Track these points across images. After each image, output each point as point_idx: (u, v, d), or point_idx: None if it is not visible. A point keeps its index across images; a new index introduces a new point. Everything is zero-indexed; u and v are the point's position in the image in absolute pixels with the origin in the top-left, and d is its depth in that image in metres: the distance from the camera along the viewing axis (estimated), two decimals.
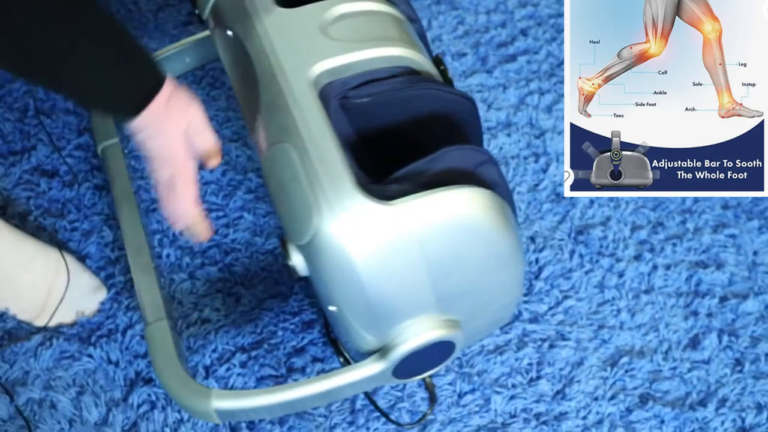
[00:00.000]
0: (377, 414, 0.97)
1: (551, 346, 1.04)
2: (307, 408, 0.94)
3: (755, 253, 1.15)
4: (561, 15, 1.41)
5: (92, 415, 0.95)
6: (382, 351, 0.84)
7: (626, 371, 1.03)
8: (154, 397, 0.96)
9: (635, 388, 1.02)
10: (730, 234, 1.16)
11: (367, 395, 0.97)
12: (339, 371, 0.86)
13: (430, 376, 0.97)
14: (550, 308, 1.07)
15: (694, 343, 1.06)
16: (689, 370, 1.03)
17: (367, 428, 0.96)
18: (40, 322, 0.99)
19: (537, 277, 1.10)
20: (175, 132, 0.77)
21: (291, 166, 0.76)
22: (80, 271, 1.01)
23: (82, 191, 1.11)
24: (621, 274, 1.11)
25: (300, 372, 0.99)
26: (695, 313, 1.08)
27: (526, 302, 1.07)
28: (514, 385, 1.01)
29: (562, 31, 1.38)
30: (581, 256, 1.12)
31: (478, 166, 0.78)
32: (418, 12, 1.36)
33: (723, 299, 1.10)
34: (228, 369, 0.99)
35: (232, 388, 0.98)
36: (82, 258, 1.05)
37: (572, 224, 1.15)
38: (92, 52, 0.69)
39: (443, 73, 0.89)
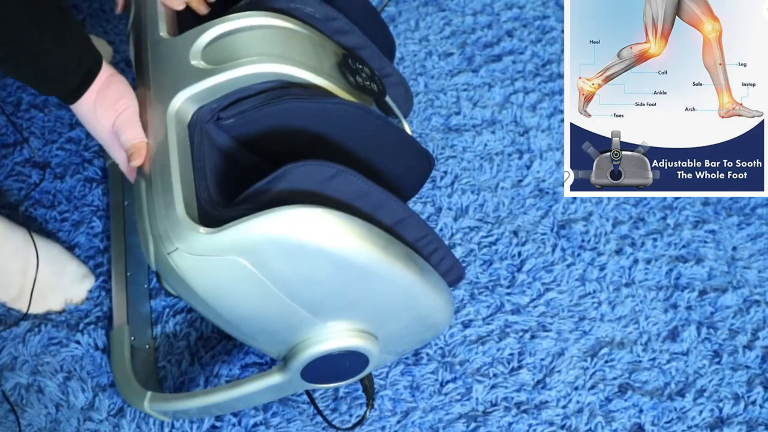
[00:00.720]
0: (361, 401, 0.98)
1: (533, 337, 1.06)
2: (233, 411, 0.96)
3: (734, 248, 1.17)
4: (547, 17, 1.43)
5: (79, 400, 0.96)
6: (284, 360, 0.85)
7: (606, 362, 1.04)
8: None
9: (615, 378, 1.03)
10: (709, 230, 1.18)
11: (308, 394, 0.96)
12: (250, 378, 0.88)
13: (370, 379, 0.95)
14: (532, 300, 1.09)
15: (674, 335, 1.08)
16: (668, 361, 1.05)
17: (350, 415, 0.98)
18: (21, 306, 1.00)
19: (519, 270, 1.11)
20: (102, 127, 0.82)
21: (140, 198, 0.79)
22: (68, 259, 1.03)
23: (73, 183, 1.13)
24: (602, 268, 1.13)
25: None
26: (675, 306, 1.10)
27: (508, 294, 1.09)
28: (495, 375, 1.02)
29: (548, 32, 1.41)
30: (563, 249, 1.14)
31: (326, 182, 0.75)
32: (404, 13, 1.39)
33: (702, 293, 1.12)
34: (213, 356, 1.00)
35: (217, 374, 0.99)
36: (71, 248, 1.07)
37: (555, 219, 1.17)
38: (31, 33, 0.73)
39: (354, 74, 0.87)
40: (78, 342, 1.00)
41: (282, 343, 0.84)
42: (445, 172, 1.20)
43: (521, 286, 1.10)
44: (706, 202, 1.21)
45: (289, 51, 0.84)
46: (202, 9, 0.93)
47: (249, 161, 0.86)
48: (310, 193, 0.75)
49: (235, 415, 0.96)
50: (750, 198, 1.23)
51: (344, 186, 0.76)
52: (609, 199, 1.20)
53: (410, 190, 0.98)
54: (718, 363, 1.06)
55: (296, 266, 0.74)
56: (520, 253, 1.13)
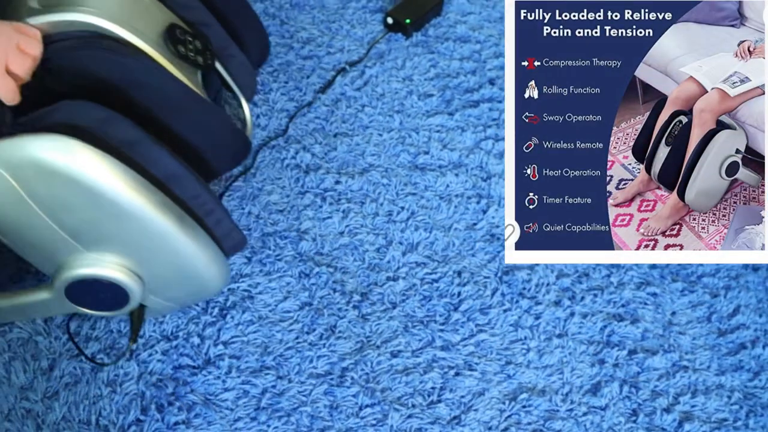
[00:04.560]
0: (280, 414, 1.04)
1: (457, 374, 1.10)
2: (8, 320, 1.05)
3: (673, 313, 1.20)
4: None
5: (19, 380, 1.03)
6: (52, 278, 0.93)
7: (524, 407, 1.08)
8: (79, 371, 1.04)
9: (529, 424, 1.07)
10: (651, 292, 1.22)
11: (71, 337, 1.04)
12: (21, 291, 0.96)
13: (140, 316, 1.02)
14: (463, 339, 1.13)
15: (595, 390, 1.11)
16: (584, 414, 1.09)
17: (268, 426, 1.03)
18: None
19: (456, 309, 1.16)
20: None
21: None
22: None
23: None
24: (537, 317, 1.17)
25: (213, 365, 1.07)
26: (602, 362, 1.14)
27: (441, 330, 1.14)
28: (413, 405, 1.07)
29: None
30: (503, 295, 1.18)
31: (98, 123, 0.84)
32: (393, 52, 1.45)
33: (632, 352, 1.15)
34: (150, 354, 1.07)
35: (151, 372, 1.05)
36: None
37: (500, 264, 1.21)
38: None
39: (177, 43, 0.96)
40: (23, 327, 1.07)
41: (50, 261, 0.92)
42: (403, 208, 1.25)
43: (455, 325, 1.15)
44: (654, 265, 1.25)
45: (118, 9, 0.94)
46: None
47: (59, 93, 0.93)
48: (82, 129, 0.83)
49: (159, 411, 1.02)
50: (699, 266, 1.26)
51: (114, 131, 0.85)
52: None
53: (218, 166, 1.06)
54: (634, 422, 1.09)
55: (52, 190, 0.82)
56: (459, 293, 1.18)
